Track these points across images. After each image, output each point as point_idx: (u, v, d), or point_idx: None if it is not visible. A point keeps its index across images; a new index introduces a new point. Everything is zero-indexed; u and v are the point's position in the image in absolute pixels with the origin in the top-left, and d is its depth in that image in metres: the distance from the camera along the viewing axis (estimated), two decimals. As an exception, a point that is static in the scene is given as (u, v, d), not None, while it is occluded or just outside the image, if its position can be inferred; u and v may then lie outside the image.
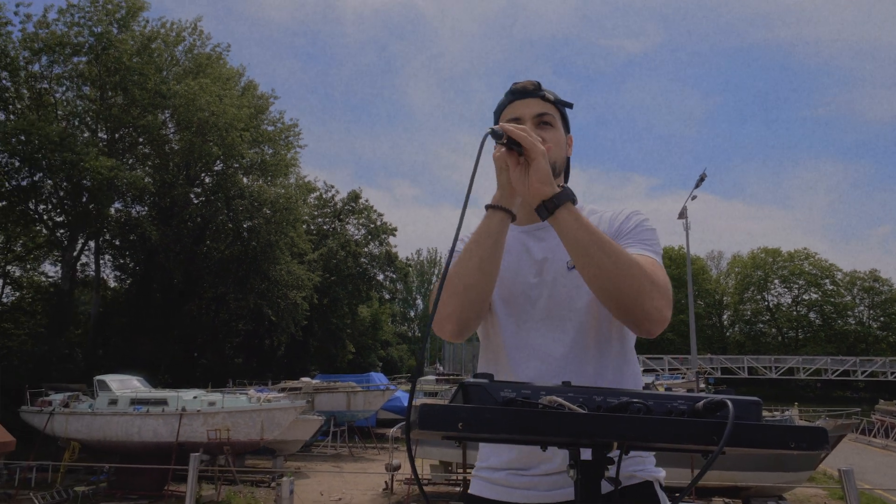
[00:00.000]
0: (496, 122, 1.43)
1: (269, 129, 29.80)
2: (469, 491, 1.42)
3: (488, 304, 1.30)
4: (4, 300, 30.50)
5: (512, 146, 1.20)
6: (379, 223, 39.68)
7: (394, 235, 40.28)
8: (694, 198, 22.15)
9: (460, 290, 1.22)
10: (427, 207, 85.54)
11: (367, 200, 39.74)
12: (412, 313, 68.84)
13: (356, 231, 39.64)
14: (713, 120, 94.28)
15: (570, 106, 1.46)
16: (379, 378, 26.97)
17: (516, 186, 1.21)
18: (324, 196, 39.29)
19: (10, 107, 23.82)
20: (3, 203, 24.88)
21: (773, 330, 57.85)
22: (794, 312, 56.86)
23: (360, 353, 40.69)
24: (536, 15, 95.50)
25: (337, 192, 39.81)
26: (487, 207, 1.28)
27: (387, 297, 44.15)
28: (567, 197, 1.18)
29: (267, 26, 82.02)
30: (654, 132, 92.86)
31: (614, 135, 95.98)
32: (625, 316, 1.20)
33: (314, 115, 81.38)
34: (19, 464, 14.75)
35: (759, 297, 58.30)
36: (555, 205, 1.17)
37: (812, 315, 56.18)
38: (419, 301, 66.87)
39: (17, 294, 31.45)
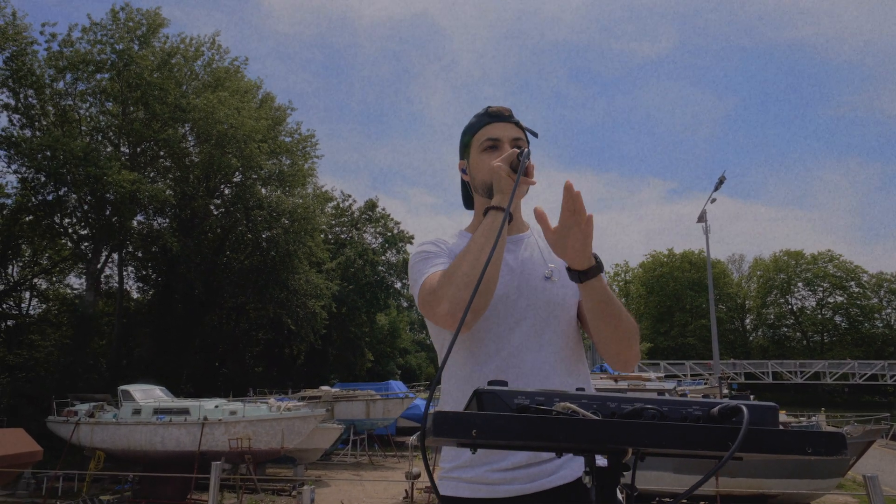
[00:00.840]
0: (467, 142, 1.60)
1: (287, 140, 30.15)
2: (443, 493, 1.43)
3: (471, 304, 1.41)
4: (31, 312, 31.20)
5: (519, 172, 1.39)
6: (396, 231, 39.84)
7: (411, 244, 40.39)
8: (713, 201, 21.90)
9: (465, 281, 1.31)
10: (444, 215, 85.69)
11: (383, 209, 39.97)
12: (430, 321, 68.67)
13: (373, 240, 39.85)
14: (731, 121, 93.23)
15: (536, 135, 1.60)
16: (398, 386, 26.96)
17: (551, 243, 1.31)
18: (341, 205, 39.59)
19: (37, 123, 24.45)
20: (30, 217, 25.49)
21: (798, 334, 56.76)
22: (819, 316, 55.74)
23: (379, 361, 40.79)
24: (549, 21, 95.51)
25: (354, 201, 40.12)
26: (489, 209, 1.41)
27: (404, 305, 44.22)
28: (601, 269, 1.33)
29: (283, 39, 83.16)
30: (670, 135, 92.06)
31: (630, 139, 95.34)
32: (613, 358, 1.41)
33: (331, 126, 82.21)
34: (46, 473, 15.02)
35: (782, 300, 57.29)
36: (590, 276, 1.32)
37: (838, 318, 55.01)
38: (437, 308, 66.72)
39: (44, 306, 32.16)
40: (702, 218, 22.06)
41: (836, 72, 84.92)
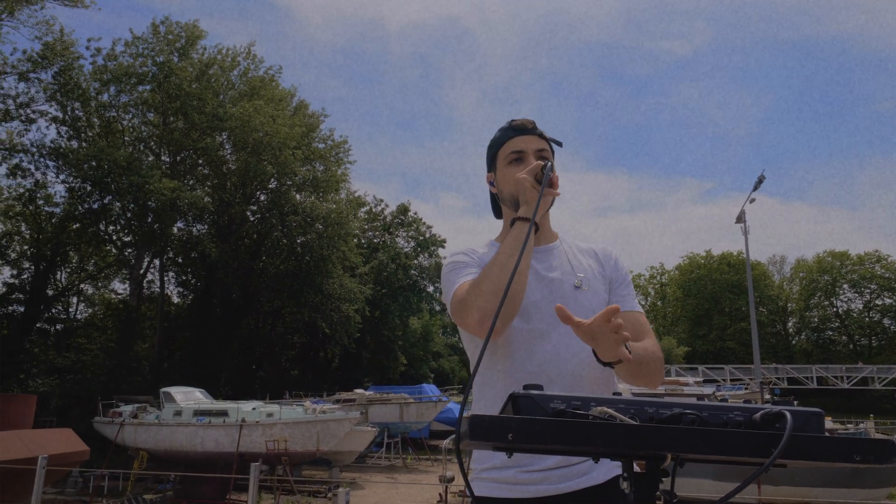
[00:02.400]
0: (494, 155, 1.65)
1: (320, 146, 30.61)
2: (477, 494, 1.47)
3: (500, 310, 1.45)
4: (78, 316, 32.39)
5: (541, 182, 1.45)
6: (428, 235, 39.98)
7: (443, 247, 40.48)
8: (752, 201, 21.31)
9: (496, 290, 1.36)
10: (474, 218, 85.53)
11: (415, 213, 40.18)
12: (463, 324, 68.69)
13: (405, 243, 40.07)
14: (770, 119, 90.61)
15: (560, 144, 1.64)
16: (431, 389, 27.03)
17: (578, 334, 1.27)
18: (373, 210, 39.95)
19: (83, 135, 25.43)
20: (77, 225, 26.49)
21: (844, 337, 54.71)
22: (867, 319, 53.60)
23: (412, 364, 40.93)
24: (579, 21, 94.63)
25: (386, 205, 40.43)
26: (515, 220, 1.46)
27: (437, 308, 44.31)
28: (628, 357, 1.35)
29: (316, 47, 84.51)
30: (706, 134, 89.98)
31: (664, 139, 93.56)
32: (637, 385, 1.47)
33: (362, 131, 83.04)
34: (93, 472, 15.54)
35: (826, 303, 55.31)
36: (618, 363, 1.33)
37: (887, 321, 52.80)
38: (469, 312, 66.73)
39: (90, 311, 33.36)
40: (740, 218, 21.49)
41: (882, 65, 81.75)
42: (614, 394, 0.89)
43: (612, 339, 1.24)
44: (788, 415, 0.75)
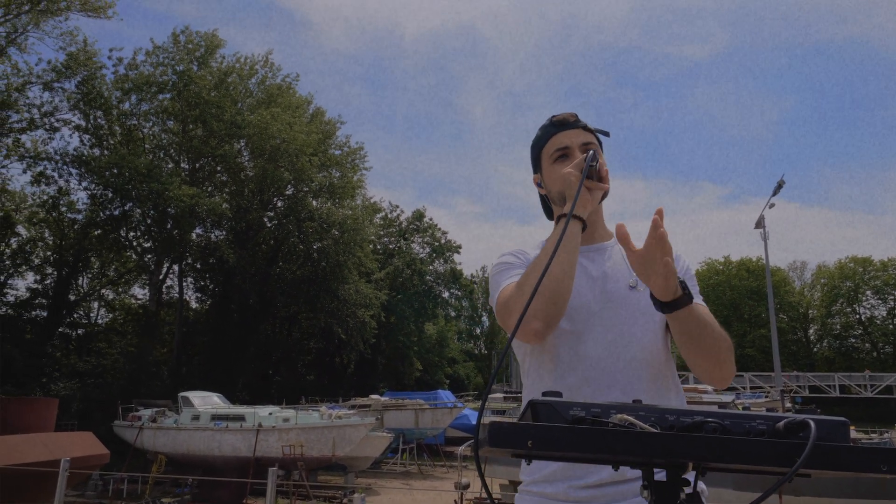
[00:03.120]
0: (538, 155, 1.58)
1: (337, 153, 30.87)
2: None
3: (566, 308, 1.35)
4: (99, 321, 32.90)
5: (593, 176, 1.37)
6: (443, 241, 40.04)
7: (458, 253, 40.54)
8: (772, 206, 21.03)
9: (548, 290, 1.28)
10: (489, 224, 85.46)
11: (430, 219, 40.27)
12: (478, 330, 68.61)
13: (421, 249, 40.17)
14: (789, 122, 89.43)
15: (608, 134, 1.56)
16: (446, 396, 26.98)
17: (634, 268, 1.28)
18: (389, 216, 40.11)
19: (105, 143, 25.92)
20: (99, 231, 26.96)
21: (867, 345, 53.61)
22: (891, 326, 52.47)
23: (427, 370, 40.92)
24: (594, 26, 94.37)
25: (402, 211, 40.60)
26: (560, 217, 1.39)
27: (452, 314, 44.30)
28: (689, 300, 1.26)
29: (332, 55, 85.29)
30: (724, 139, 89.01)
31: (682, 143, 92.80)
32: (707, 377, 1.35)
33: (378, 138, 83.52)
34: (113, 475, 15.73)
35: (849, 309, 54.26)
36: (676, 308, 1.25)
37: (912, 328, 51.69)
38: (485, 318, 66.67)
39: (111, 316, 33.87)
40: (760, 224, 21.20)
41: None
42: (634, 401, 0.88)
43: (662, 266, 1.19)
44: (812, 424, 0.74)
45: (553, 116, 1.54)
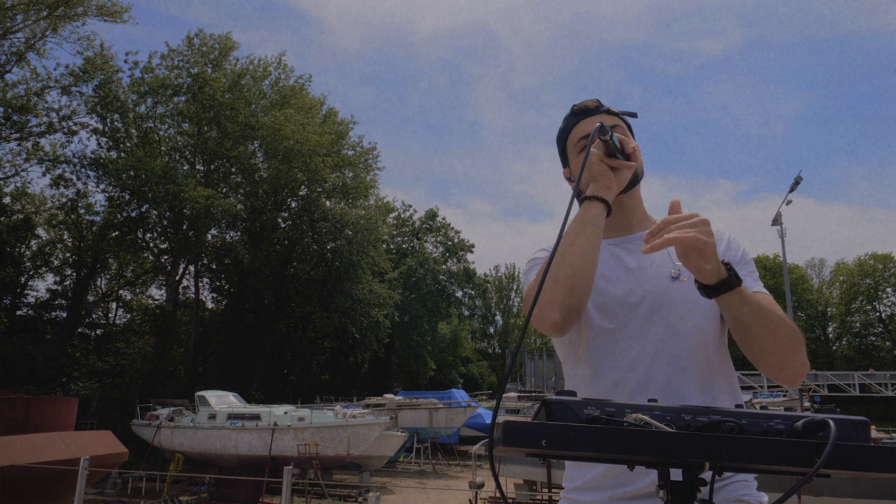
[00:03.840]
0: (563, 148, 1.48)
1: (350, 153, 30.98)
2: None
3: (588, 298, 1.23)
4: (117, 322, 33.37)
5: (616, 153, 1.25)
6: (456, 240, 40.05)
7: (471, 252, 40.52)
8: (789, 202, 20.75)
9: (564, 277, 1.18)
10: (502, 223, 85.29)
11: (443, 218, 40.29)
12: (491, 329, 68.58)
13: (434, 249, 40.20)
14: (806, 117, 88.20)
15: (635, 115, 1.46)
16: (460, 395, 26.99)
17: (678, 252, 1.14)
18: (402, 216, 40.20)
19: (122, 145, 26.26)
20: (116, 233, 27.34)
21: (888, 343, 52.72)
22: (913, 324, 51.62)
23: (441, 369, 40.96)
24: (607, 23, 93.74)
25: (415, 211, 40.66)
26: (585, 199, 1.26)
27: (466, 313, 44.29)
28: (737, 283, 1.14)
29: (344, 55, 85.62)
30: (739, 135, 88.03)
31: (697, 140, 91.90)
32: (776, 374, 1.20)
33: (391, 137, 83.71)
34: (131, 473, 15.94)
35: (868, 307, 53.42)
36: (721, 291, 1.13)
37: (934, 326, 50.77)
38: (498, 317, 66.61)
39: (129, 316, 34.34)
40: (777, 221, 20.94)
41: (926, 61, 78.72)
42: (650, 400, 0.88)
43: (694, 244, 1.06)
44: (832, 423, 0.73)
45: (574, 105, 1.46)
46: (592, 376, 1.31)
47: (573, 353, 1.37)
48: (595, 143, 1.25)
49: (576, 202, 1.26)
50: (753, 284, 1.30)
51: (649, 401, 0.86)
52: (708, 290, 1.14)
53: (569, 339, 1.37)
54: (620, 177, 1.27)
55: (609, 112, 1.42)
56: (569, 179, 1.50)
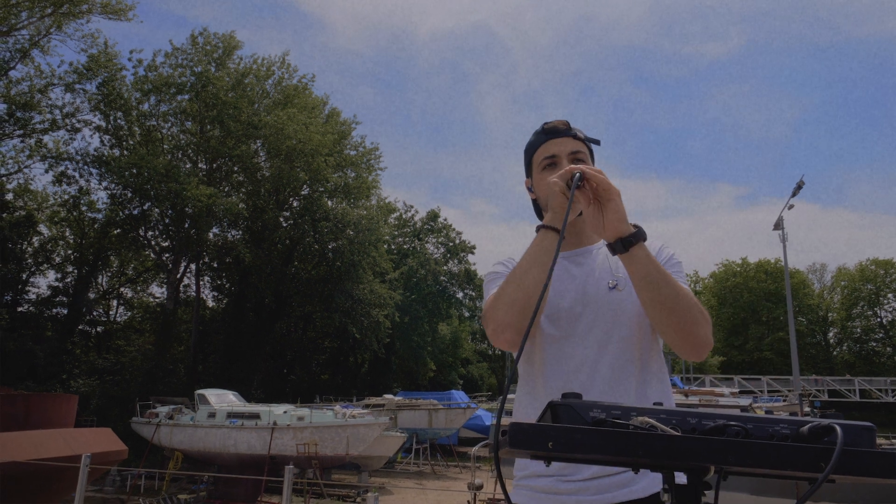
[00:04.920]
0: (529, 161, 1.61)
1: (352, 153, 31.00)
2: (514, 501, 1.45)
3: (535, 319, 1.36)
4: (118, 319, 33.39)
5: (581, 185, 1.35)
6: (457, 241, 40.04)
7: (472, 253, 40.51)
8: (791, 207, 20.73)
9: (519, 302, 1.33)
10: (504, 224, 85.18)
11: (445, 219, 40.29)
12: (492, 331, 68.43)
13: (435, 250, 40.20)
14: (808, 122, 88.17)
15: (598, 143, 1.58)
16: (460, 396, 26.98)
17: (590, 223, 1.33)
18: (403, 216, 40.21)
19: (124, 143, 26.29)
20: (118, 231, 27.36)
21: (889, 349, 52.63)
22: (914, 330, 51.52)
23: (441, 370, 40.95)
24: (610, 25, 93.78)
25: (416, 211, 40.66)
26: (540, 228, 1.40)
27: (466, 315, 44.27)
28: (641, 236, 1.31)
29: (346, 55, 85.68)
30: (741, 139, 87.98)
31: (698, 143, 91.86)
32: (678, 342, 1.34)
33: (392, 138, 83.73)
34: (131, 471, 15.96)
35: (870, 312, 53.34)
36: (631, 243, 1.30)
37: (935, 333, 50.67)
38: (499, 319, 66.49)
39: (129, 314, 34.36)
40: (778, 225, 20.91)
41: (929, 67, 78.66)
42: (655, 403, 0.88)
43: (615, 206, 1.27)
44: (839, 428, 0.73)
45: (545, 123, 1.56)
46: (543, 378, 1.46)
47: (528, 357, 1.51)
48: (561, 175, 1.34)
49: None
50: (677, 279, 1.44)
51: (655, 404, 0.87)
52: (615, 247, 1.31)
53: (528, 347, 1.52)
54: (577, 207, 1.38)
55: (576, 137, 1.54)
56: (529, 189, 1.65)
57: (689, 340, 1.32)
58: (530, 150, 1.59)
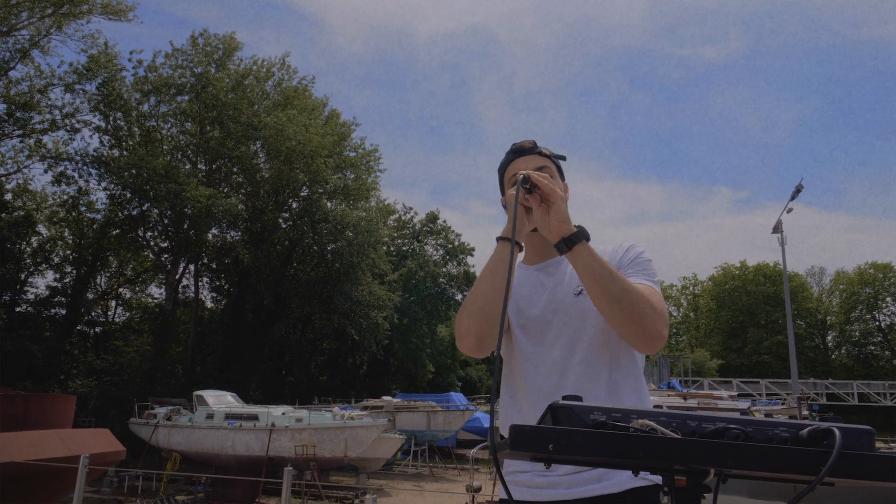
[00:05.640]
0: (501, 178, 1.69)
1: (352, 155, 31.00)
2: (500, 497, 1.58)
3: (504, 322, 1.39)
4: (116, 320, 33.34)
5: (534, 190, 1.42)
6: (457, 243, 40.03)
7: (471, 255, 40.48)
8: (790, 210, 20.75)
9: (477, 310, 1.43)
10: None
11: (444, 221, 40.28)
12: (491, 333, 68.47)
13: (434, 251, 40.19)
14: (808, 125, 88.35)
15: (564, 158, 1.67)
16: (458, 398, 26.94)
17: (539, 225, 1.42)
18: (403, 218, 40.20)
19: (124, 143, 26.29)
20: (117, 231, 27.34)
21: (887, 353, 52.70)
22: (912, 333, 51.57)
23: (440, 372, 40.90)
24: (609, 28, 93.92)
25: (415, 213, 40.65)
26: (499, 239, 1.47)
27: (465, 316, 44.18)
28: (583, 235, 1.40)
29: (347, 57, 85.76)
30: (740, 142, 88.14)
31: (697, 146, 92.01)
32: (629, 335, 1.40)
33: (392, 140, 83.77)
34: (128, 472, 15.92)
35: (868, 316, 53.43)
36: (573, 241, 1.38)
37: (933, 337, 50.74)
38: (497, 321, 66.56)
39: (128, 314, 34.31)
40: (777, 228, 20.94)
41: (928, 71, 78.84)
42: (655, 406, 0.88)
43: (558, 206, 1.37)
44: (837, 431, 0.74)
45: (514, 144, 1.66)
46: (522, 382, 1.55)
47: (508, 364, 1.62)
48: (513, 186, 1.42)
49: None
50: (636, 276, 1.51)
51: (655, 406, 0.87)
52: (559, 246, 1.39)
53: (506, 355, 1.63)
54: (533, 217, 1.45)
55: (541, 154, 1.62)
56: (504, 207, 1.65)
57: (637, 333, 1.37)
58: (501, 170, 1.67)
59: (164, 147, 26.93)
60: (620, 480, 1.42)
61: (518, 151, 1.64)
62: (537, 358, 1.54)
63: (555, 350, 1.53)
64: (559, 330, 1.54)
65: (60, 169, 25.04)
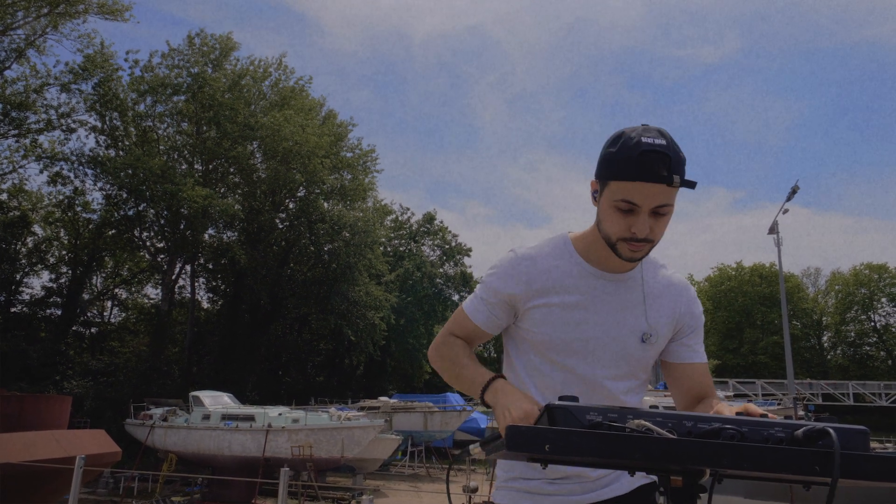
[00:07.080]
0: (607, 175, 1.27)
1: (348, 155, 30.95)
2: (497, 502, 1.48)
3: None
4: (112, 320, 33.21)
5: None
6: (454, 244, 40.02)
7: (468, 256, 40.50)
8: (786, 211, 20.81)
9: (453, 381, 1.53)
10: (499, 227, 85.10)
11: (441, 222, 40.27)
12: (487, 334, 68.40)
13: (431, 252, 40.17)
14: (803, 126, 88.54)
15: (693, 186, 1.22)
16: (455, 399, 26.91)
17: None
18: (400, 218, 40.16)
19: (120, 143, 26.20)
20: (113, 231, 27.24)
21: (882, 353, 52.86)
22: (907, 334, 51.77)
23: (437, 373, 40.82)
24: (606, 28, 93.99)
25: (412, 214, 40.62)
26: (492, 379, 1.34)
27: (462, 317, 44.18)
28: None
29: (343, 57, 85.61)
30: (736, 143, 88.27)
31: (694, 147, 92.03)
32: None
33: (389, 140, 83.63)
34: (124, 473, 15.85)
35: (863, 317, 53.57)
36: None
37: (928, 337, 50.94)
38: (494, 321, 66.44)
39: (123, 315, 34.19)
40: (773, 229, 20.99)
41: (923, 73, 79.15)
42: (651, 407, 0.88)
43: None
44: (833, 432, 0.74)
45: (653, 150, 1.19)
46: (535, 390, 1.47)
47: (514, 360, 1.54)
48: (530, 414, 1.16)
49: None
50: (700, 354, 1.47)
51: (650, 407, 0.87)
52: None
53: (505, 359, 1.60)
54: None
55: (671, 184, 1.19)
56: (594, 193, 1.36)
57: None
58: (615, 171, 1.23)
59: (161, 147, 26.85)
60: (630, 481, 1.43)
61: (650, 174, 1.19)
62: (572, 377, 1.42)
63: (592, 379, 1.41)
64: (604, 362, 1.41)
65: (56, 169, 24.98)
